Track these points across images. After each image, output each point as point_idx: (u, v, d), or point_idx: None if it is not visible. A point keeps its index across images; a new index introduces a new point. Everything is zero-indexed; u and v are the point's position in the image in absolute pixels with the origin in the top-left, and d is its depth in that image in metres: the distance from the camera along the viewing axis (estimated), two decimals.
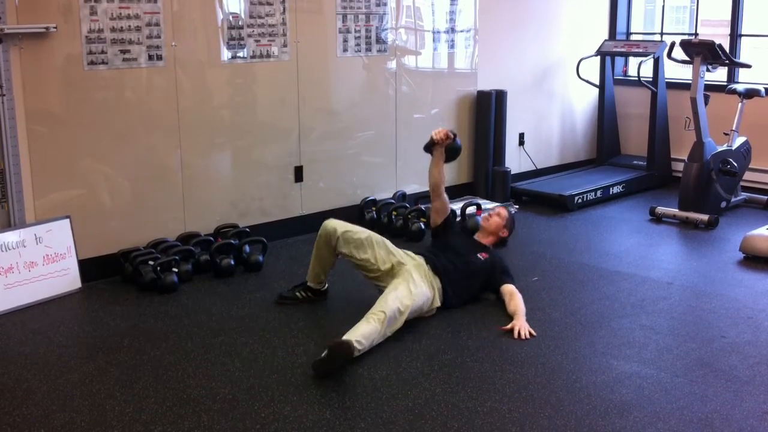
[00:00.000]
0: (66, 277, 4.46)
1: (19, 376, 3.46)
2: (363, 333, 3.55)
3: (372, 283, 4.17)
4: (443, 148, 4.36)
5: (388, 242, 4.17)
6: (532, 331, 3.87)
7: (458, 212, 5.56)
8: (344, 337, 3.49)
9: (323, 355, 3.42)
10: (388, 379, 3.42)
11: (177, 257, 4.61)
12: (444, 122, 6.23)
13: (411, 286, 3.88)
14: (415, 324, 3.92)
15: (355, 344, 3.45)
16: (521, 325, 3.89)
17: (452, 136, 4.34)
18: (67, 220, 4.48)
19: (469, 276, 4.21)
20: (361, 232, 4.14)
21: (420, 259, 4.15)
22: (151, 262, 4.51)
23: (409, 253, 4.20)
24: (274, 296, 4.37)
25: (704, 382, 3.41)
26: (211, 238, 4.94)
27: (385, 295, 3.81)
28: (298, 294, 4.31)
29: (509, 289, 4.18)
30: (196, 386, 3.36)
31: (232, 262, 4.75)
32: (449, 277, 4.13)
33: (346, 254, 4.10)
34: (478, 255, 4.29)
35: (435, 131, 4.32)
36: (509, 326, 3.90)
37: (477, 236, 4.54)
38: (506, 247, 4.98)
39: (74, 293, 4.47)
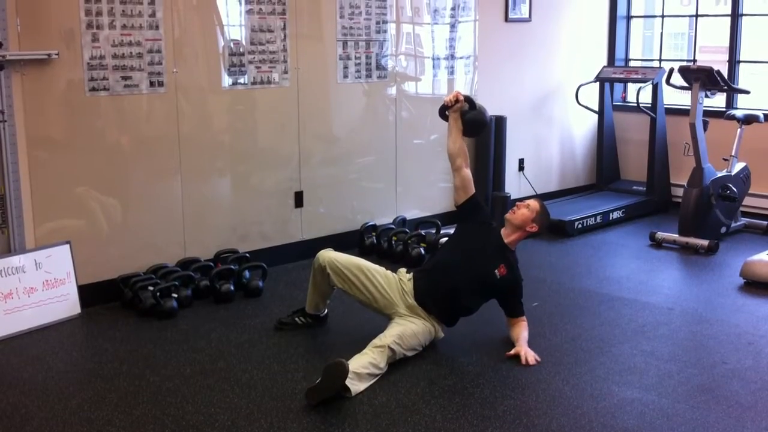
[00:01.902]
0: (65, 303, 4.45)
1: (18, 402, 3.44)
2: (361, 363, 3.53)
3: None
4: (458, 115, 4.12)
5: (378, 275, 4.00)
6: (537, 357, 3.85)
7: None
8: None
9: (317, 381, 3.40)
10: (388, 405, 3.40)
11: (177, 283, 4.61)
12: (444, 147, 6.21)
13: (412, 327, 3.84)
14: None
15: (352, 371, 3.41)
16: (526, 351, 3.86)
17: (463, 100, 4.08)
18: (67, 246, 4.48)
19: (471, 296, 4.00)
20: (350, 267, 3.98)
21: (410, 286, 3.97)
22: (150, 288, 4.50)
23: (403, 280, 4.03)
24: (273, 322, 4.35)
25: (706, 408, 3.39)
26: (211, 264, 4.94)
27: (390, 330, 3.80)
28: (297, 320, 4.29)
29: (519, 319, 4.07)
30: (195, 412, 3.34)
31: (232, 288, 4.75)
32: (442, 310, 3.97)
33: (340, 288, 4.04)
34: (495, 271, 3.96)
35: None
36: (514, 352, 3.87)
37: (503, 231, 4.12)
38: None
39: (74, 319, 4.46)
